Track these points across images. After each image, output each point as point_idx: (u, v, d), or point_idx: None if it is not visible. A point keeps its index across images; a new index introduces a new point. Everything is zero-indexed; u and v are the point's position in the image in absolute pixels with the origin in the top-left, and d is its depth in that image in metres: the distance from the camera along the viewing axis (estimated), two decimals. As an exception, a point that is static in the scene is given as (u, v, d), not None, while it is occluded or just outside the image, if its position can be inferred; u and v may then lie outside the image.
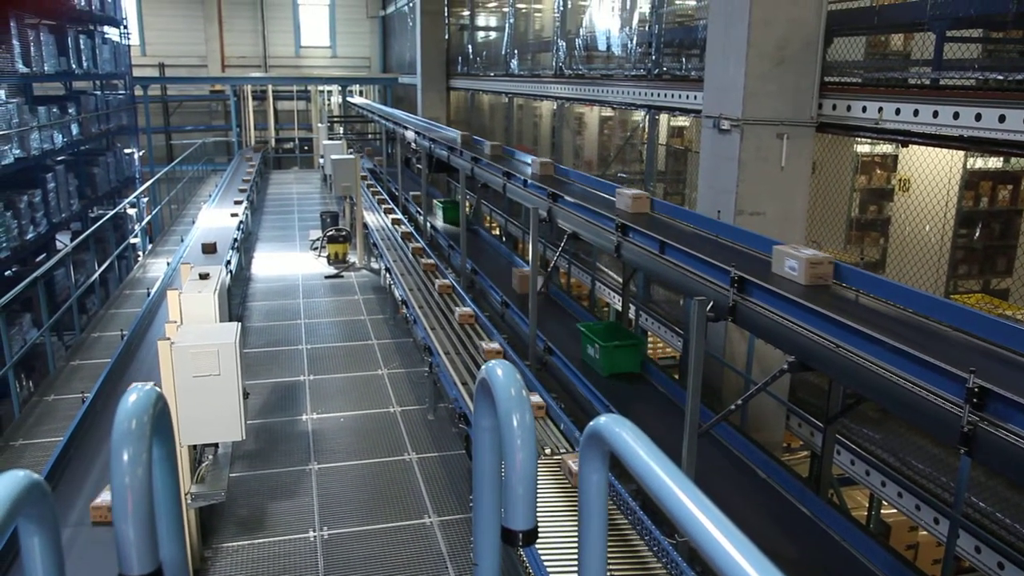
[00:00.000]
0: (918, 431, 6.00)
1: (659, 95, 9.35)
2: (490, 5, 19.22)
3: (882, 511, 8.17)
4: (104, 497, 4.80)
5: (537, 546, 4.45)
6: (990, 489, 5.31)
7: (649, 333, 10.06)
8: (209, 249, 8.91)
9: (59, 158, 14.88)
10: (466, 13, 19.78)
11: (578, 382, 7.35)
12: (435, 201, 14.69)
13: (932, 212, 7.04)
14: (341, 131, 27.57)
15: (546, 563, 4.34)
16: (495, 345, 7.70)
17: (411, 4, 23.05)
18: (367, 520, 6.32)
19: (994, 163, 7.91)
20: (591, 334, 7.85)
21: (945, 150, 6.40)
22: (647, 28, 9.84)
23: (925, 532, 5.66)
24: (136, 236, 17.58)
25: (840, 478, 6.66)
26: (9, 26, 11.81)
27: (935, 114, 5.59)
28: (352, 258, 14.52)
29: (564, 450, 5.65)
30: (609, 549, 1.95)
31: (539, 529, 2.07)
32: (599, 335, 7.80)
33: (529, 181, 8.50)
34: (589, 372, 7.60)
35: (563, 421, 6.07)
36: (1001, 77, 5.46)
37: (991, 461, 3.22)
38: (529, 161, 9.49)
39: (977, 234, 7.98)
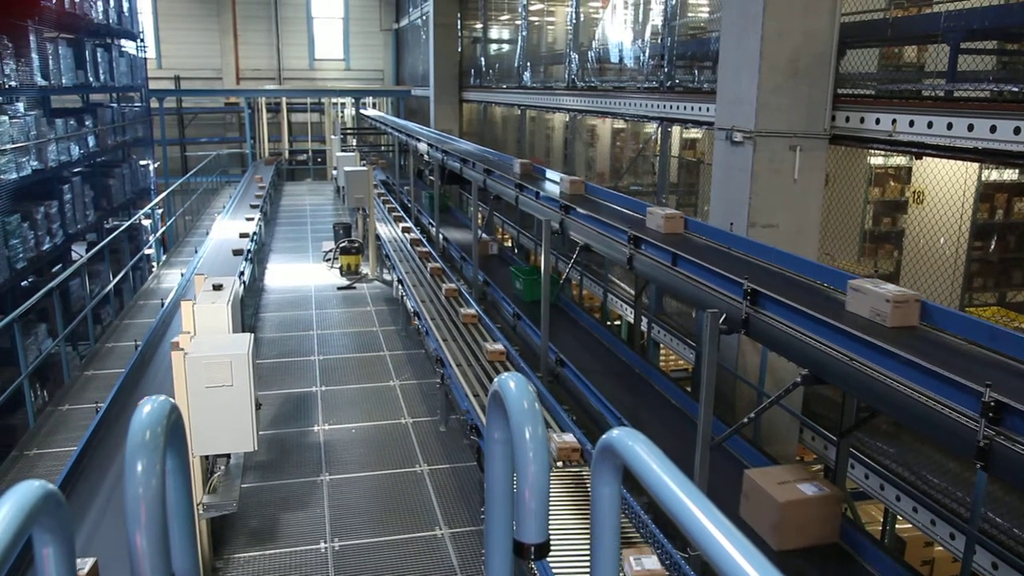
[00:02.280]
0: (933, 445, 5.94)
1: (671, 107, 9.35)
2: (503, 18, 19.30)
3: (897, 526, 8.08)
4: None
5: (548, 559, 4.43)
6: (1007, 504, 5.25)
7: (662, 346, 10.03)
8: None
9: (75, 170, 15.01)
10: (479, 26, 19.87)
11: (582, 385, 7.33)
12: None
13: (947, 224, 7.00)
14: (354, 143, 27.72)
15: (558, 576, 4.31)
16: (499, 347, 7.75)
17: (424, 17, 23.19)
18: (378, 532, 6.32)
19: (1010, 175, 7.86)
20: (519, 273, 10.90)
21: (959, 162, 6.37)
22: (659, 40, 9.85)
23: (941, 548, 5.59)
24: (151, 247, 17.70)
25: (854, 492, 6.60)
26: (29, 40, 11.95)
27: (949, 126, 5.56)
28: (365, 269, 14.57)
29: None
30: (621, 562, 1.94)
31: (551, 542, 2.06)
32: (524, 273, 10.85)
33: (541, 193, 8.51)
34: (519, 303, 10.22)
35: (574, 432, 6.05)
36: (1016, 89, 5.43)
37: (1008, 475, 3.19)
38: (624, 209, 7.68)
39: (992, 246, 7.92)
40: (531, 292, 10.46)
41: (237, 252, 9.54)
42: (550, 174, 9.91)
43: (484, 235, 13.59)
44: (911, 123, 5.91)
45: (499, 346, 7.82)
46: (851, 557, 4.97)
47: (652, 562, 4.46)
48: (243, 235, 10.68)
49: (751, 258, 5.56)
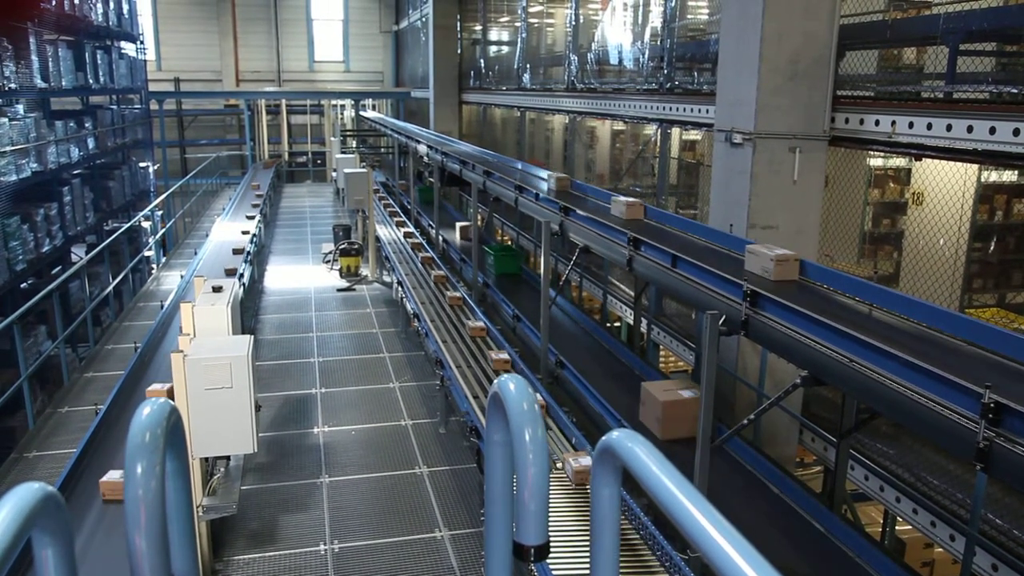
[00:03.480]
0: (933, 446, 5.94)
1: (671, 109, 9.36)
2: (502, 19, 19.32)
3: (897, 527, 8.07)
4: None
5: (548, 560, 4.43)
6: (1007, 506, 5.25)
7: (661, 347, 10.03)
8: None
9: (75, 172, 15.02)
10: (478, 27, 19.89)
11: (584, 389, 7.33)
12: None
13: (946, 226, 7.00)
14: (354, 145, 27.72)
15: (557, 578, 4.32)
16: (504, 355, 7.72)
17: (423, 19, 23.20)
18: (378, 534, 6.31)
19: (1009, 176, 7.86)
20: (491, 250, 12.73)
21: (959, 163, 6.37)
22: (659, 42, 9.86)
23: (941, 549, 5.59)
24: (150, 249, 17.70)
25: (854, 494, 6.60)
26: (29, 42, 11.95)
27: (949, 127, 5.56)
28: (364, 271, 14.57)
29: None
30: (621, 564, 1.94)
31: (551, 544, 2.06)
32: (495, 250, 12.80)
33: (541, 195, 8.51)
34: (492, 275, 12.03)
35: (575, 435, 6.05)
36: (1015, 91, 5.43)
37: (1008, 477, 3.19)
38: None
39: (992, 247, 7.92)
40: (500, 266, 12.56)
41: (237, 252, 9.53)
42: (593, 190, 8.58)
43: (465, 222, 15.09)
44: (910, 125, 5.91)
45: (504, 355, 7.76)
46: (721, 448, 6.15)
47: (586, 461, 5.42)
48: (237, 251, 10.32)
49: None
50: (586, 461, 5.73)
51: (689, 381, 7.51)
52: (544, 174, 9.23)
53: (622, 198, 7.37)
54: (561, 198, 8.14)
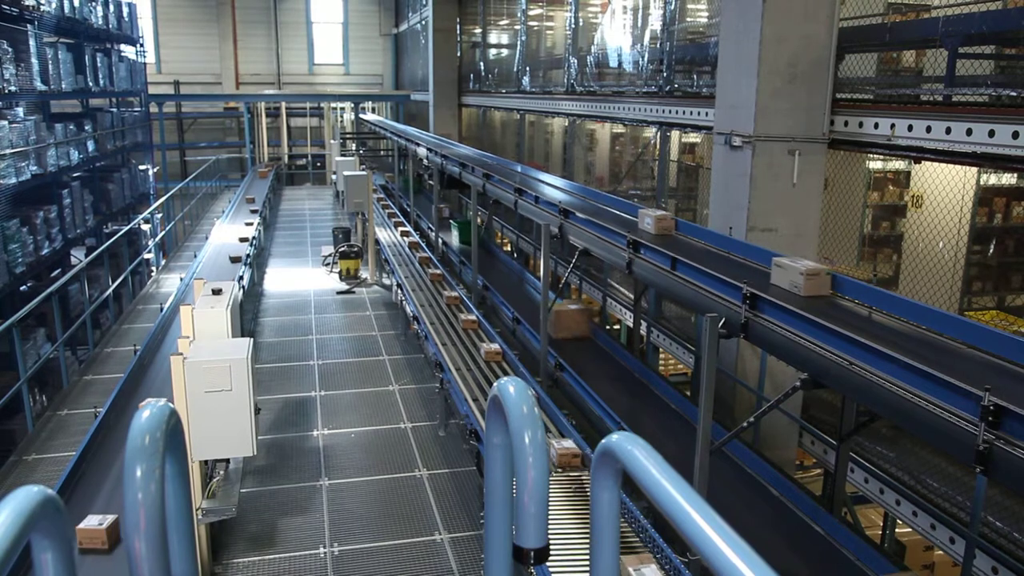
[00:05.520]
0: (933, 449, 5.94)
1: (671, 112, 9.36)
2: (502, 23, 19.34)
3: (897, 530, 8.07)
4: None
5: (547, 563, 4.42)
6: (1007, 508, 5.25)
7: (661, 350, 10.02)
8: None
9: (75, 174, 15.02)
10: (478, 31, 19.91)
11: (581, 390, 7.33)
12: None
13: (945, 228, 7.01)
14: (353, 148, 27.73)
15: (557, 581, 4.31)
16: (495, 346, 7.78)
17: (423, 22, 23.22)
18: (378, 537, 6.31)
19: (1008, 179, 7.86)
20: (456, 223, 14.57)
21: (958, 166, 6.37)
22: (659, 45, 9.87)
23: (941, 552, 5.59)
24: (150, 252, 17.70)
25: (854, 496, 6.60)
26: (28, 44, 11.96)
27: (948, 130, 5.57)
28: (364, 274, 14.57)
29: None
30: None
31: (550, 546, 2.05)
32: (459, 223, 14.51)
33: (541, 198, 8.51)
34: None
35: (573, 437, 6.04)
36: (1014, 94, 5.44)
37: (1008, 480, 3.19)
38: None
39: (991, 250, 7.93)
40: (464, 236, 13.97)
41: (235, 259, 9.54)
42: (709, 234, 6.31)
43: (442, 205, 16.13)
44: (910, 127, 5.92)
45: (495, 346, 7.84)
46: (598, 347, 8.45)
47: (569, 443, 5.68)
48: (234, 259, 10.26)
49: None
50: (568, 444, 5.74)
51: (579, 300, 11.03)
52: (646, 213, 6.56)
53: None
54: (663, 244, 5.92)
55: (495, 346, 7.86)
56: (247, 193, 17.88)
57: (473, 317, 9.00)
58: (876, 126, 6.27)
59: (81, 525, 4.61)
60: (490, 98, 18.40)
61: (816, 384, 4.24)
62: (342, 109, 31.73)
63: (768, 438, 6.98)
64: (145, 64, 21.96)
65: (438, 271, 11.21)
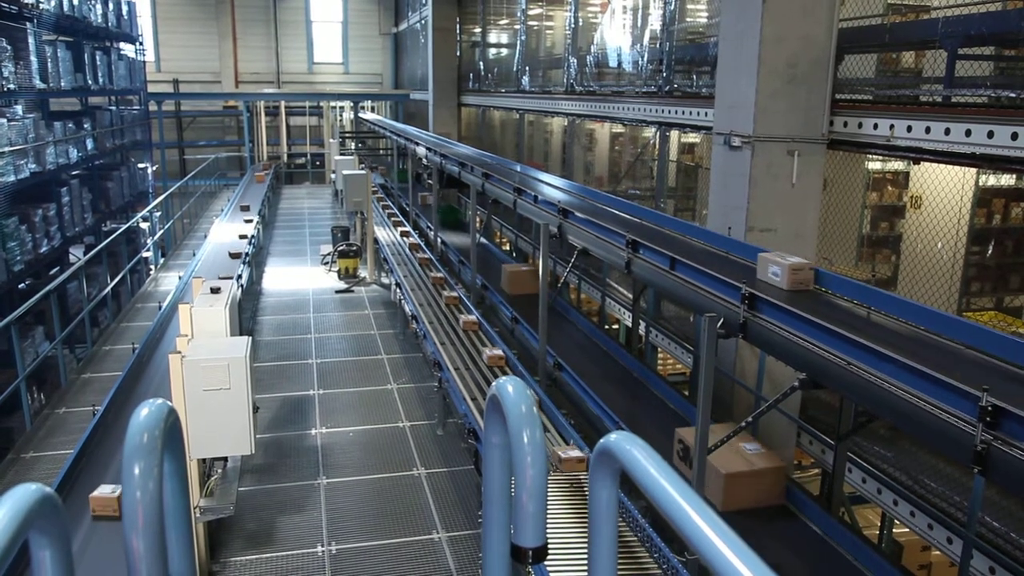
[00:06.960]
0: (931, 449, 5.94)
1: (670, 112, 9.36)
2: (502, 22, 19.33)
3: (894, 530, 8.08)
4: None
5: (545, 562, 4.42)
6: (1005, 509, 5.25)
7: (660, 350, 10.03)
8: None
9: (74, 172, 15.02)
10: (477, 30, 19.90)
11: (580, 389, 7.33)
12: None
13: (944, 229, 7.01)
14: (353, 147, 27.71)
15: (555, 580, 4.31)
16: (497, 351, 7.76)
17: (423, 21, 23.21)
18: (375, 535, 6.31)
19: (1007, 180, 7.87)
20: (440, 210, 15.26)
21: (957, 167, 6.38)
22: (658, 45, 9.87)
23: (938, 552, 5.59)
24: (148, 250, 17.68)
25: (851, 496, 6.60)
26: (28, 42, 11.95)
27: (947, 131, 5.57)
28: (363, 273, 14.56)
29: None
30: (618, 566, 1.94)
31: (548, 545, 2.06)
32: (443, 210, 16.04)
33: (540, 198, 8.51)
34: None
35: (572, 437, 6.05)
36: (1014, 95, 5.44)
37: (1005, 480, 3.19)
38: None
39: (990, 251, 7.93)
40: (444, 218, 15.41)
41: (235, 255, 9.52)
42: (849, 284, 4.74)
43: (424, 193, 16.72)
44: (909, 128, 5.92)
45: (498, 351, 7.82)
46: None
47: (575, 452, 5.58)
48: (234, 255, 10.22)
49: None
50: (575, 453, 5.72)
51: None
52: (774, 261, 4.88)
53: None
54: (800, 306, 4.35)
55: (498, 351, 7.82)
56: (241, 200, 17.19)
57: (473, 318, 8.99)
58: (875, 127, 6.28)
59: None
60: (489, 97, 18.40)
61: (815, 384, 4.25)
62: (341, 108, 31.71)
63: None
64: (144, 62, 21.95)
65: (439, 274, 11.19)
